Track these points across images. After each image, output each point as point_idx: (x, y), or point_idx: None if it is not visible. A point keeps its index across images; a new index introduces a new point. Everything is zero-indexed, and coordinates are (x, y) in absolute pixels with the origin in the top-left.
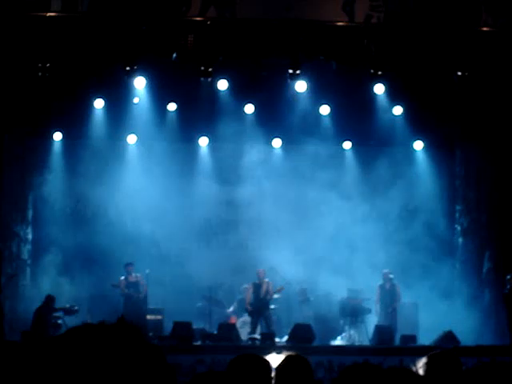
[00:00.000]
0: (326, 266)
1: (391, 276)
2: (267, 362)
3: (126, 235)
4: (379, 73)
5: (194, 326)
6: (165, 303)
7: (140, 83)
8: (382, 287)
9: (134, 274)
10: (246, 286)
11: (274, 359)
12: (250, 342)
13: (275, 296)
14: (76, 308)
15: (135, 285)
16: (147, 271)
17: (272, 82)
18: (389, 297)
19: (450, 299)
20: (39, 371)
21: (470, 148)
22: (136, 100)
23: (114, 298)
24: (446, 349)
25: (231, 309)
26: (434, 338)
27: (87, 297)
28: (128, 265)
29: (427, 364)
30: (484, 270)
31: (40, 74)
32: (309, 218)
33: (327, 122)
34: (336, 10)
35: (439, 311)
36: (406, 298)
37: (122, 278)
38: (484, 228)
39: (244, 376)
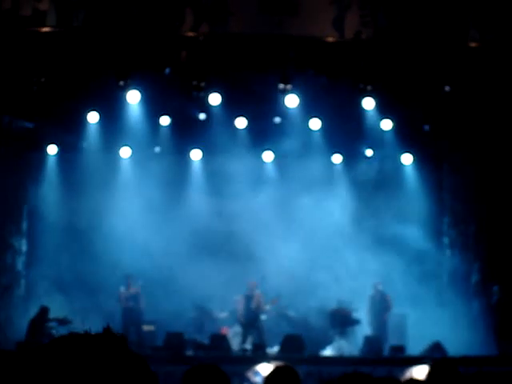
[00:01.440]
0: (317, 276)
1: (380, 287)
2: (224, 374)
3: (120, 247)
4: (369, 87)
5: (186, 337)
6: (157, 314)
7: (134, 97)
8: (372, 298)
9: (133, 286)
10: (237, 297)
11: (265, 369)
12: (241, 353)
13: (267, 308)
14: (69, 319)
15: (135, 297)
16: (140, 282)
17: (263, 96)
18: (379, 307)
19: (438, 310)
20: (22, 380)
21: (457, 161)
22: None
23: (107, 309)
24: (445, 358)
25: (224, 314)
26: (422, 348)
27: (81, 308)
28: (129, 276)
29: (430, 372)
30: (472, 281)
31: (35, 87)
32: (299, 230)
33: (318, 136)
34: (326, 27)
35: (427, 322)
36: (394, 308)
37: (122, 289)
38: (472, 240)
39: None
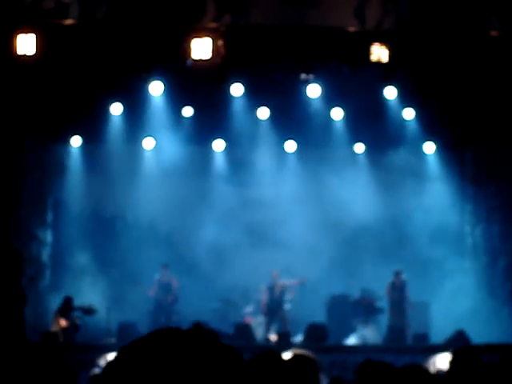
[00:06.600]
0: (340, 265)
1: (402, 276)
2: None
3: (143, 237)
4: (391, 77)
5: (211, 327)
6: (181, 304)
7: (156, 88)
8: (392, 285)
9: (168, 275)
10: (262, 287)
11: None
12: (265, 342)
13: (291, 296)
14: (94, 308)
15: (166, 286)
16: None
17: (285, 86)
18: (399, 295)
19: (461, 298)
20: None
21: (480, 149)
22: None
23: (132, 299)
24: (467, 347)
25: (250, 309)
26: (446, 336)
27: (106, 298)
28: (163, 266)
29: (452, 361)
30: (496, 271)
31: (58, 80)
32: (322, 219)
33: (340, 126)
34: (347, 16)
35: (450, 310)
36: (417, 296)
37: (156, 278)
38: (496, 230)
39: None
